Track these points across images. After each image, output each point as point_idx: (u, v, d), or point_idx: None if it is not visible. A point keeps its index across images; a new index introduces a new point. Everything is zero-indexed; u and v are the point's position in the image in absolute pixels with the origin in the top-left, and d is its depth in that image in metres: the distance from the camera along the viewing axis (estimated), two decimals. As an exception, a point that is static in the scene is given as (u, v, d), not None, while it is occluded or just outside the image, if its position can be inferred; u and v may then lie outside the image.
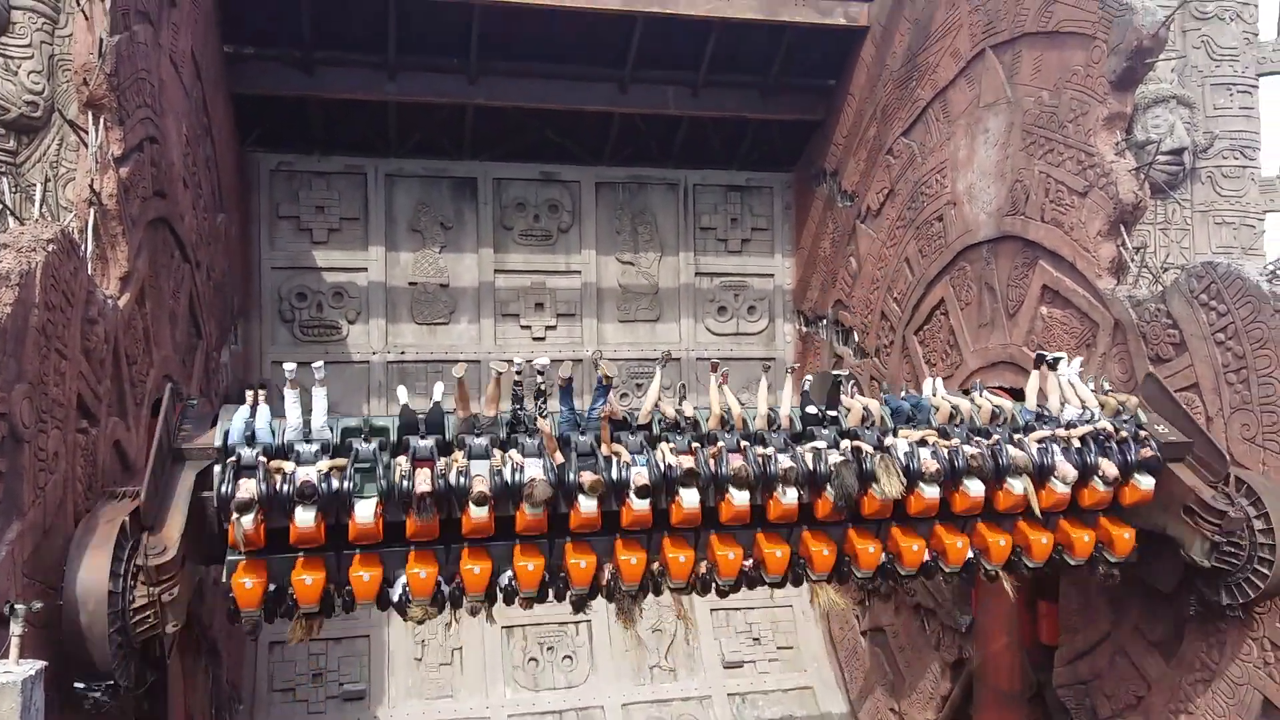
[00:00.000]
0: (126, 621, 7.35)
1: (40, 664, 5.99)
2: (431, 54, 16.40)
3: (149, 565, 7.51)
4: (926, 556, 9.39)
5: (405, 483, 7.99)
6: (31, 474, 6.84)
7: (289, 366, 9.08)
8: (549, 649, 16.51)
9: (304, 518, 7.76)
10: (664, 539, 8.92)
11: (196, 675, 10.98)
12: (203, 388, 12.30)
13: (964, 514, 9.47)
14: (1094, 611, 11.40)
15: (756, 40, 16.79)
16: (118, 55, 8.92)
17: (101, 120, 8.85)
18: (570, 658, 16.56)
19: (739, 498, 8.63)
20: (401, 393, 9.98)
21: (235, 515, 7.65)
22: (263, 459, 8.02)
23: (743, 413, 9.46)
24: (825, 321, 17.43)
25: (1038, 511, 9.41)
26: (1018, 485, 9.32)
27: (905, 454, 9.12)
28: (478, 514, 8.06)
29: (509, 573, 8.58)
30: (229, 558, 8.12)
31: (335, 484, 7.92)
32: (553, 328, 18.49)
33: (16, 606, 6.08)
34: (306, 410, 8.69)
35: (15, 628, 6.01)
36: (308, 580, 8.02)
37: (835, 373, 11.19)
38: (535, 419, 8.74)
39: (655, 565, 8.88)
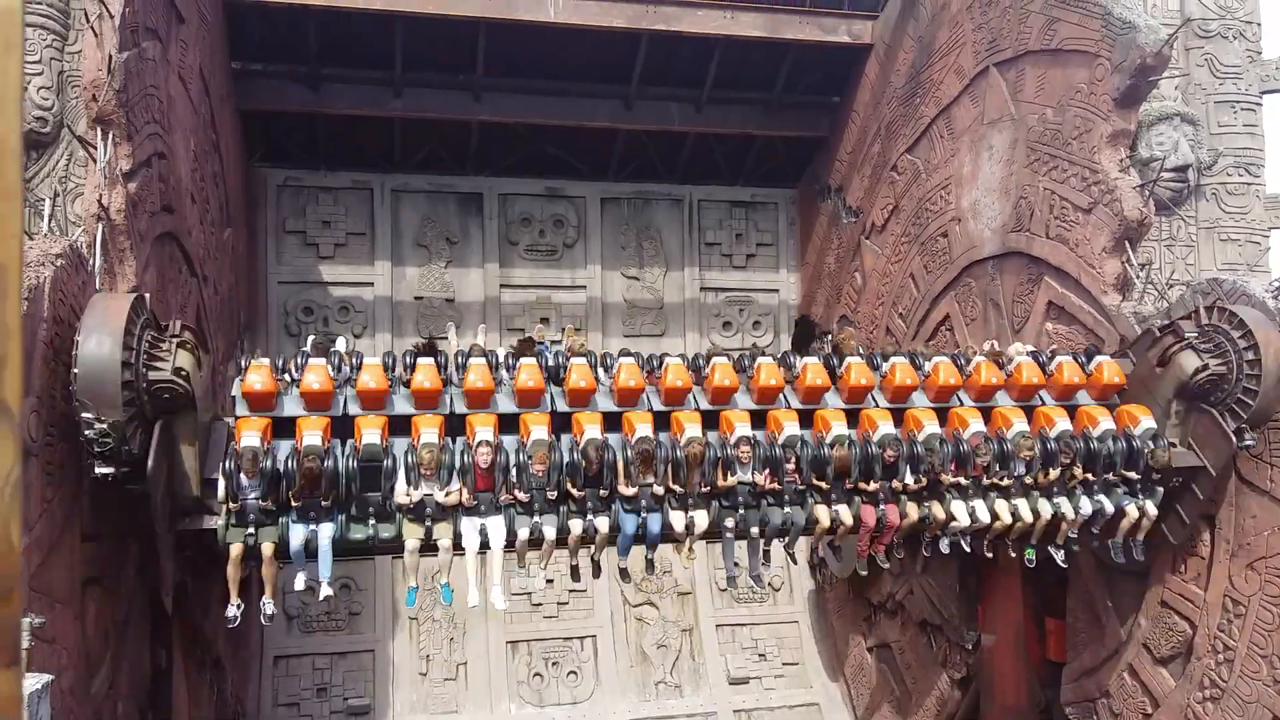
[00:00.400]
0: (138, 360, 7.56)
1: (47, 677, 5.98)
2: (437, 71, 16.51)
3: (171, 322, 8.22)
4: (936, 422, 9.89)
5: (409, 357, 9.37)
6: (39, 487, 6.86)
7: (311, 338, 10.26)
8: (554, 664, 16.44)
9: (316, 363, 8.94)
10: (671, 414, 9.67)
11: (201, 690, 10.98)
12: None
13: (943, 389, 10.24)
14: (1101, 628, 11.35)
15: (761, 57, 16.86)
16: (126, 72, 8.99)
17: (110, 136, 8.91)
18: (575, 673, 16.49)
19: (721, 365, 9.87)
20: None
21: (251, 361, 8.93)
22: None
23: None
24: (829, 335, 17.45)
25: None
26: (981, 359, 10.39)
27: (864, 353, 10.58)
28: (476, 364, 9.15)
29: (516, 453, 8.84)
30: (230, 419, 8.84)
31: (346, 368, 9.20)
32: (557, 342, 18.49)
33: (21, 620, 6.07)
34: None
35: (21, 640, 6.00)
36: (313, 417, 8.70)
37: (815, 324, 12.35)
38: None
39: (670, 458, 9.11)
